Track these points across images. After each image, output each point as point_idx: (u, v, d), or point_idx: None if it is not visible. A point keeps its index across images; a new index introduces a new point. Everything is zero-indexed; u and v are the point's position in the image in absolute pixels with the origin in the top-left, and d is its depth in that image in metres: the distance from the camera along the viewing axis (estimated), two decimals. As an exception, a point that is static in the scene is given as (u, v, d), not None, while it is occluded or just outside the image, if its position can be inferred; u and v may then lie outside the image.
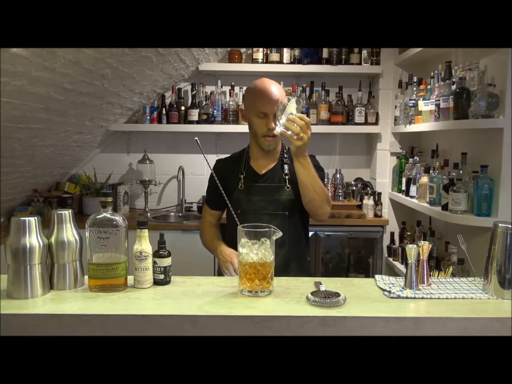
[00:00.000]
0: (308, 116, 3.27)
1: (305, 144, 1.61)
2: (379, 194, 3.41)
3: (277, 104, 1.66)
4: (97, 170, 3.64)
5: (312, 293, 1.29)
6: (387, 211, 3.46)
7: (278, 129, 1.60)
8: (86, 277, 1.41)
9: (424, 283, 1.43)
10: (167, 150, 3.72)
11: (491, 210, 2.19)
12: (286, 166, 1.89)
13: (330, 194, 3.41)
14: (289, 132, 1.58)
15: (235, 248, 1.46)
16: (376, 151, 3.54)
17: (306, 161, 1.68)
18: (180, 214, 3.59)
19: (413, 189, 2.87)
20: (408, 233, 3.16)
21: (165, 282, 1.43)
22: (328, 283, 1.42)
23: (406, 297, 1.33)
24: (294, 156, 1.68)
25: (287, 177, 1.87)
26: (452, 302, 1.31)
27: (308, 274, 1.85)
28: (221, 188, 1.71)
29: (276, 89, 1.78)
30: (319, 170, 1.89)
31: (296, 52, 3.44)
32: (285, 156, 1.92)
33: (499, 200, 2.15)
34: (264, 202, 1.84)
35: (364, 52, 3.43)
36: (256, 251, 1.33)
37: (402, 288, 1.39)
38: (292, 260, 1.85)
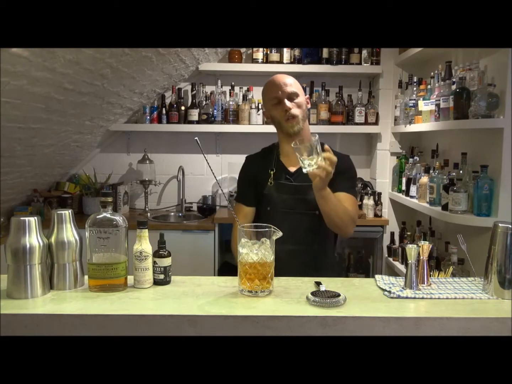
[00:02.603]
0: (308, 116, 3.25)
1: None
2: (379, 194, 3.41)
3: (305, 144, 1.56)
4: (97, 170, 3.64)
5: (312, 293, 1.29)
6: (387, 211, 3.46)
7: (310, 169, 1.54)
8: (86, 277, 1.41)
9: (424, 283, 1.42)
10: (167, 150, 3.72)
11: (491, 210, 2.19)
12: None
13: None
14: (317, 170, 1.54)
15: None
16: (376, 151, 3.54)
17: (326, 192, 1.65)
18: (180, 214, 3.60)
19: (413, 189, 2.87)
20: (408, 233, 3.16)
21: (165, 282, 1.43)
22: (328, 283, 1.42)
23: (406, 297, 1.33)
24: (317, 191, 1.63)
25: None
26: (452, 302, 1.31)
27: (336, 273, 1.87)
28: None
29: (283, 77, 1.92)
30: (351, 187, 1.86)
31: (296, 52, 3.44)
32: None
33: (499, 200, 2.15)
34: (294, 201, 1.83)
35: (364, 52, 3.42)
36: (256, 251, 1.33)
37: (402, 288, 1.39)
38: (322, 258, 1.86)
